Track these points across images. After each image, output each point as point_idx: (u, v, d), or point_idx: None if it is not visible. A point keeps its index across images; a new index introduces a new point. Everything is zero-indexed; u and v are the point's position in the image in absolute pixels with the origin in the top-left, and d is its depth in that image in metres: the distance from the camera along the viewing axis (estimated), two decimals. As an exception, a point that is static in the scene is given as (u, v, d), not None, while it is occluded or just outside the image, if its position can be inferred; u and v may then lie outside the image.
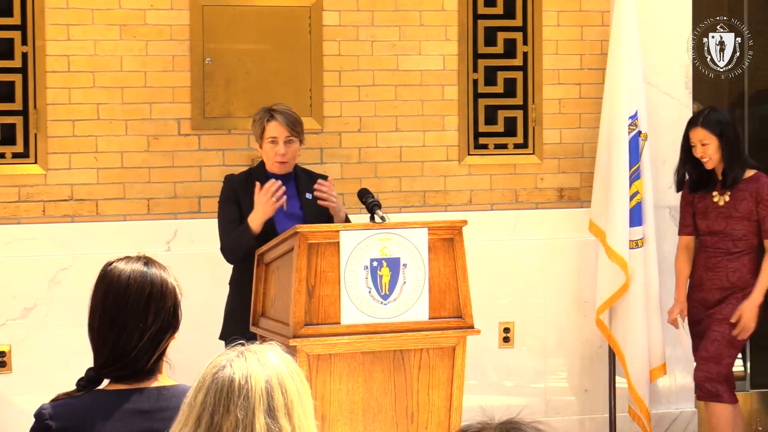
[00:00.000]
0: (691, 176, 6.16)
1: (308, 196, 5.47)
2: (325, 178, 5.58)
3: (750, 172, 6.06)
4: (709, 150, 6.02)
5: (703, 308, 6.10)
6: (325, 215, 5.44)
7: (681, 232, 6.28)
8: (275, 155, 5.41)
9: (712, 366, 5.97)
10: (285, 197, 5.24)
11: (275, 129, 5.42)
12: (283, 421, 2.31)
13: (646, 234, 6.32)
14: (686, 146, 6.13)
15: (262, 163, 5.53)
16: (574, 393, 6.64)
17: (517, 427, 1.99)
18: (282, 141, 5.41)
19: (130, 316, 2.90)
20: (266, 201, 5.20)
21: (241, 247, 5.29)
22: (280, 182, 5.23)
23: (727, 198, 6.05)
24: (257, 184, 5.25)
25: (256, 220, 5.23)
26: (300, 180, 5.51)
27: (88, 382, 2.92)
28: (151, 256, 3.04)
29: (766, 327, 7.13)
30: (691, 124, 6.12)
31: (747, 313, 5.98)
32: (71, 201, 6.02)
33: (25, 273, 5.90)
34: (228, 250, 5.38)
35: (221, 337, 5.42)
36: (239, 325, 5.30)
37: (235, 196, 5.37)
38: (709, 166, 6.07)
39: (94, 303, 2.94)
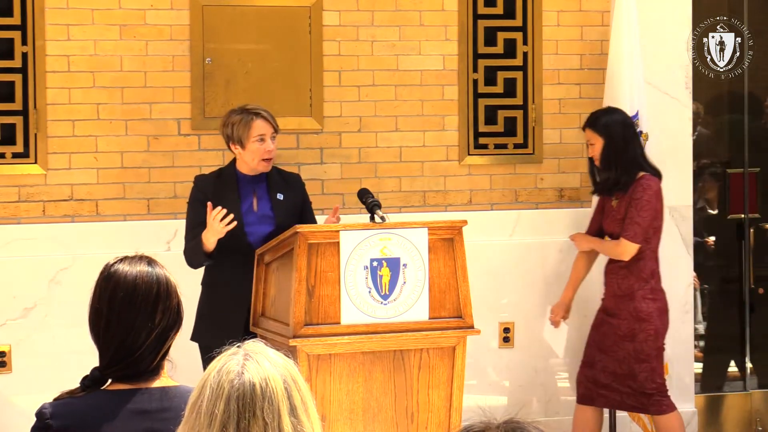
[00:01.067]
0: (593, 177, 6.08)
1: (279, 197, 5.45)
2: (297, 177, 5.61)
3: (640, 174, 5.89)
4: (596, 150, 5.95)
5: (604, 314, 6.02)
6: (296, 216, 5.42)
7: (586, 232, 6.22)
8: (264, 152, 5.39)
9: (630, 382, 5.89)
10: (235, 223, 5.19)
11: (262, 126, 5.41)
12: (303, 418, 2.35)
13: (646, 234, 6.31)
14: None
15: (232, 163, 5.50)
16: (574, 393, 6.63)
17: (520, 427, 1.99)
18: (269, 137, 5.42)
19: (138, 316, 2.89)
20: (216, 225, 5.17)
21: (196, 262, 5.34)
22: (225, 210, 5.16)
23: (618, 200, 5.95)
24: (209, 204, 5.21)
25: (208, 239, 5.22)
26: (272, 180, 5.48)
27: (93, 382, 2.92)
28: (150, 256, 3.04)
29: (766, 327, 7.14)
30: (584, 123, 6.08)
31: (578, 238, 6.17)
32: (71, 201, 6.02)
33: (25, 273, 5.90)
34: (186, 257, 5.38)
35: (193, 338, 5.36)
36: (209, 325, 5.30)
37: (204, 197, 5.34)
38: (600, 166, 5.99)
39: (98, 304, 2.93)
